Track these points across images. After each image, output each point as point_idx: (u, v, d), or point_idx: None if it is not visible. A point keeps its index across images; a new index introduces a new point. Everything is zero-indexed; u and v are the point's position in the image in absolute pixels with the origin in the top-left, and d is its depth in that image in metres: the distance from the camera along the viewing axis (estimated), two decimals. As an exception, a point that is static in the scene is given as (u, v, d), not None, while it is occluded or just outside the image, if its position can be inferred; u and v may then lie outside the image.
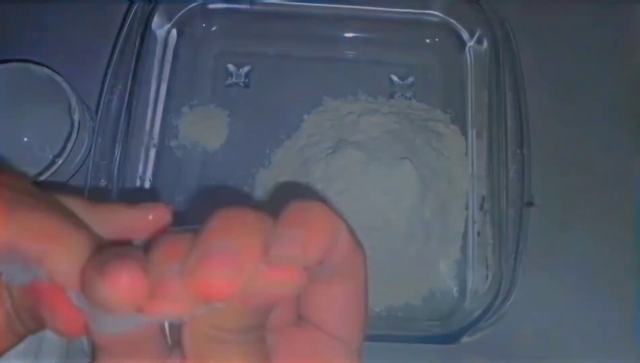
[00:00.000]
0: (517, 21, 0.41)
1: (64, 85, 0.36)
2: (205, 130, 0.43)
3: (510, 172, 0.36)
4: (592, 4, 0.47)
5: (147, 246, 0.14)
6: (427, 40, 0.45)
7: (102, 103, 0.37)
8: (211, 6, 0.44)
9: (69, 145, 0.35)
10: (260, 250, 0.13)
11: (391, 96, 0.44)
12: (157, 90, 0.42)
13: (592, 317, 0.40)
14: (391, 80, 0.45)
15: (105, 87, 0.37)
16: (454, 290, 0.39)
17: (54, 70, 0.37)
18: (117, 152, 0.36)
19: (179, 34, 0.43)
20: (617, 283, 0.40)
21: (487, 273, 0.37)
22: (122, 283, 0.12)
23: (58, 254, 0.14)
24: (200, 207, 0.41)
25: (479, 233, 0.39)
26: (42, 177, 0.35)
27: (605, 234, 0.42)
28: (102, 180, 0.35)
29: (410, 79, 0.45)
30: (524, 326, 0.39)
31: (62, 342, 0.17)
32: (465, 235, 0.39)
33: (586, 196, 0.42)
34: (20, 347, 0.16)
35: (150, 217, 0.17)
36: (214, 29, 0.45)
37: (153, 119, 0.41)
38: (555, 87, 0.45)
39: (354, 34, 0.45)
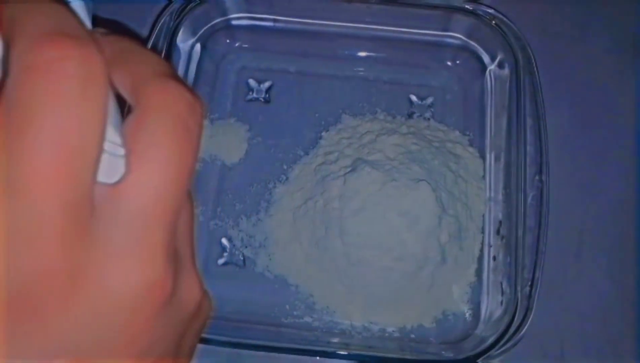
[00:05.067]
0: (537, 45, 0.41)
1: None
2: (225, 144, 0.43)
3: (529, 198, 0.36)
4: (613, 31, 0.47)
5: None
6: (448, 63, 0.45)
7: (126, 114, 0.37)
8: (235, 22, 0.45)
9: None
10: None
11: (410, 116, 0.44)
12: (179, 103, 0.42)
13: (607, 347, 0.39)
14: (410, 101, 0.45)
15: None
16: (467, 314, 0.38)
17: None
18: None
19: (203, 48, 0.44)
20: (632, 312, 0.40)
21: (501, 299, 0.37)
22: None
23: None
24: (217, 220, 0.41)
25: (494, 258, 0.39)
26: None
27: (621, 262, 0.41)
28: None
29: (430, 100, 0.45)
30: (535, 354, 0.39)
31: None
32: (480, 259, 0.39)
33: (602, 223, 0.42)
34: None
35: None
36: (237, 44, 0.46)
37: (174, 131, 0.42)
38: (573, 112, 0.45)
39: (375, 54, 0.46)
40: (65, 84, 0.12)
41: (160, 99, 0.14)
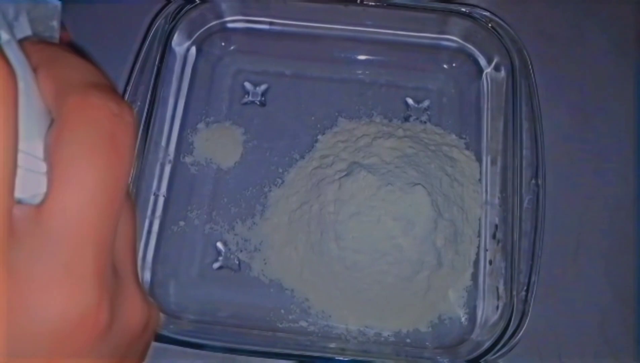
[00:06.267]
0: (533, 48, 0.41)
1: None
2: (220, 148, 0.43)
3: (525, 202, 0.36)
4: (611, 33, 0.47)
5: None
6: (445, 66, 0.45)
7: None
8: (230, 25, 0.44)
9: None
10: None
11: (406, 119, 0.44)
12: (174, 106, 0.42)
13: (605, 350, 0.39)
14: (406, 104, 0.45)
15: (124, 103, 0.37)
16: (463, 318, 0.38)
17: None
18: (134, 168, 0.37)
19: (198, 51, 0.44)
20: (630, 315, 0.40)
21: (497, 303, 0.36)
22: None
23: None
24: (212, 223, 0.41)
25: (490, 262, 0.39)
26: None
27: (618, 265, 0.41)
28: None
29: (426, 103, 0.45)
30: (533, 358, 0.38)
31: None
32: (476, 263, 0.39)
33: (599, 226, 0.42)
34: None
35: None
36: (232, 47, 0.46)
37: (169, 135, 0.42)
38: (570, 115, 0.45)
39: (371, 57, 0.46)
40: None
41: (80, 111, 0.13)
